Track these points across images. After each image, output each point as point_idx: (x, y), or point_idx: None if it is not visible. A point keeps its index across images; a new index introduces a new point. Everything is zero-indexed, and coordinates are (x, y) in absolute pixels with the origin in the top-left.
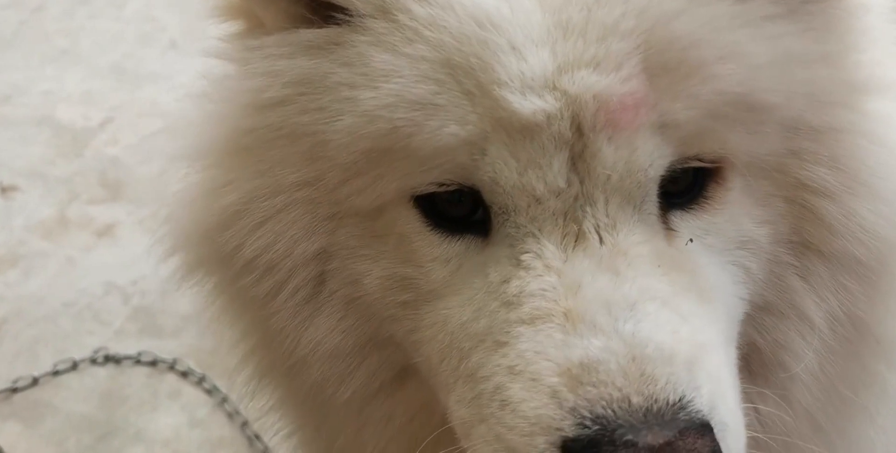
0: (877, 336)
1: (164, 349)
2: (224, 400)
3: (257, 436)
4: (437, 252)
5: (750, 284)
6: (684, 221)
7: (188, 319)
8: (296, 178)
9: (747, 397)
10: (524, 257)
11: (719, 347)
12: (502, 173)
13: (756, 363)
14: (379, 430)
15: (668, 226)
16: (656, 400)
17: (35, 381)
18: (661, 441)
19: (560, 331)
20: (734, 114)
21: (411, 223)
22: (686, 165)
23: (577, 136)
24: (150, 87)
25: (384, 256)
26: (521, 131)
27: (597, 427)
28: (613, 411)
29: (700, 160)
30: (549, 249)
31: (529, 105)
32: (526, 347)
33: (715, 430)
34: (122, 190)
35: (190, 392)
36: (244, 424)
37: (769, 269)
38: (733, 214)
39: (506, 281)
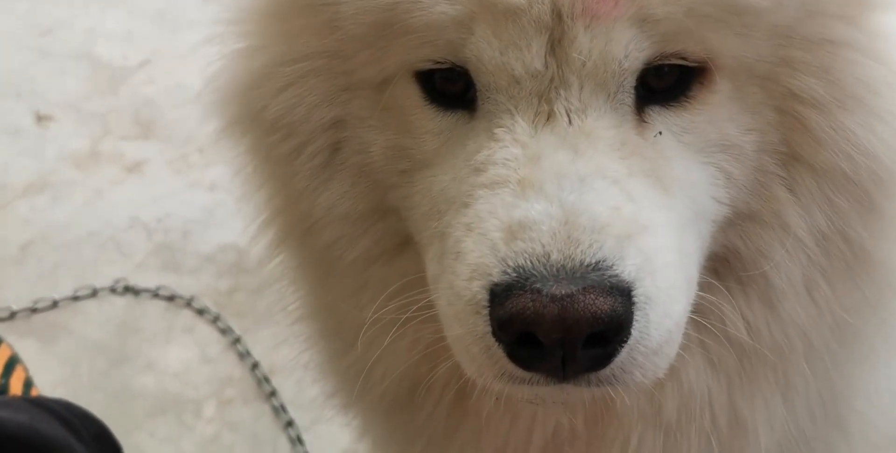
0: (877, 261)
1: (182, 286)
2: (237, 340)
3: (266, 379)
4: (430, 125)
5: (732, 189)
6: (661, 116)
7: (208, 260)
8: (317, 48)
9: (734, 305)
10: (497, 130)
11: (667, 234)
12: (485, 52)
13: (739, 270)
14: (375, 293)
15: (641, 119)
16: (572, 259)
17: (55, 304)
18: (563, 292)
19: (512, 194)
20: (717, 14)
21: (411, 97)
22: (668, 62)
23: (557, 22)
24: (188, 34)
25: (388, 127)
26: (504, 13)
27: (514, 274)
28: (532, 263)
29: (683, 58)
30: (521, 125)
31: None
32: (482, 208)
33: (635, 300)
34: (154, 129)
35: (204, 329)
36: (254, 365)
37: (754, 177)
38: (716, 117)
39: (478, 151)
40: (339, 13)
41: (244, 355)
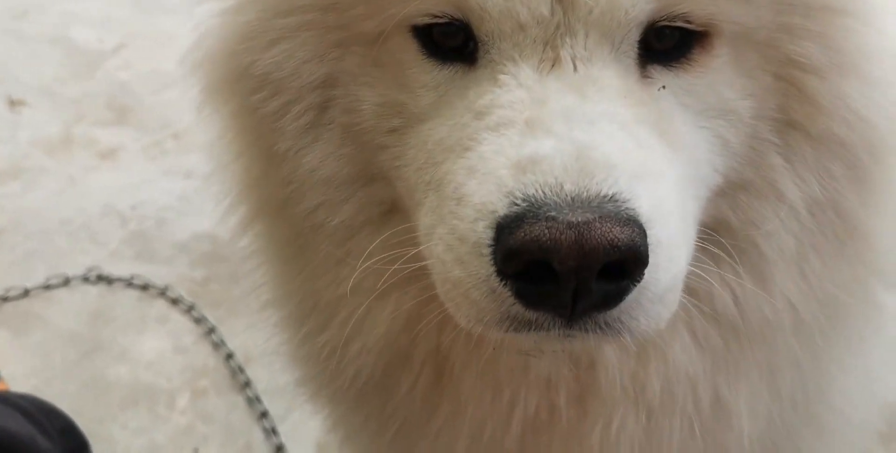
0: (865, 233)
1: (156, 275)
2: (211, 330)
3: (241, 369)
4: (427, 78)
5: (727, 157)
6: (663, 76)
7: (183, 248)
8: (310, 0)
9: (723, 278)
10: (501, 76)
11: (672, 186)
12: None
13: (729, 242)
14: (357, 265)
15: (644, 74)
16: (587, 190)
17: (26, 293)
18: (579, 219)
19: (519, 134)
20: None
21: (408, 51)
22: (672, 24)
23: None
24: (166, 18)
25: (381, 83)
26: None
27: (525, 204)
28: (544, 193)
29: (688, 21)
30: (525, 71)
31: None
32: (486, 149)
33: (648, 240)
34: (129, 115)
35: (178, 319)
36: (229, 356)
37: (749, 145)
38: (715, 81)
39: (480, 97)
40: None
41: (219, 345)
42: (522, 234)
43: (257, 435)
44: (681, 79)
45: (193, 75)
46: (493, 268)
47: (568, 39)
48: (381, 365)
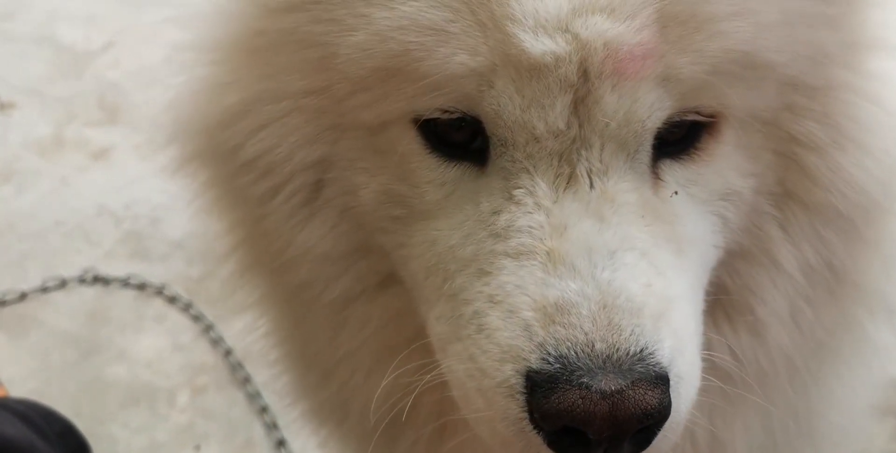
0: (857, 282)
1: (153, 274)
2: (209, 327)
3: (240, 364)
4: (432, 175)
5: (727, 233)
6: (672, 170)
7: (178, 246)
8: (303, 86)
9: (721, 334)
10: (517, 192)
11: (687, 300)
12: (506, 108)
13: (726, 303)
14: (354, 333)
15: (656, 176)
16: (618, 349)
17: (23, 296)
18: (613, 387)
19: (541, 269)
20: (737, 71)
21: (411, 144)
22: (684, 118)
23: (583, 81)
24: (154, 15)
25: (382, 172)
26: (528, 70)
27: (558, 365)
28: (576, 353)
29: (698, 113)
30: (542, 188)
31: (539, 45)
32: (508, 280)
33: (671, 382)
34: (120, 114)
35: (175, 317)
36: (228, 352)
37: (748, 219)
38: (721, 167)
39: (496, 212)
40: (335, 53)
41: (217, 342)
42: (557, 401)
43: (258, 430)
44: (689, 170)
45: (168, 144)
46: (525, 414)
47: (584, 152)
48: (383, 423)
